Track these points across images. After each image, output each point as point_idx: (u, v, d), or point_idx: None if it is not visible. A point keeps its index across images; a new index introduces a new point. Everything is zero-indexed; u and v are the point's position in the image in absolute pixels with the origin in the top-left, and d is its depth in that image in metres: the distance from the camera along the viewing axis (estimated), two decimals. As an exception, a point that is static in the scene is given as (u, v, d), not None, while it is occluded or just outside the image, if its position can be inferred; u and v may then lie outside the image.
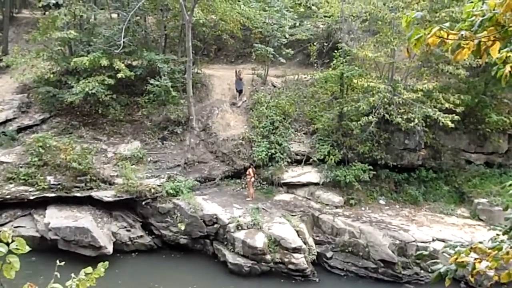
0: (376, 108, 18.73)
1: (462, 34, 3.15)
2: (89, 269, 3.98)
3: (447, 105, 18.46)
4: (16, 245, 3.02)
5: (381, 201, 19.74)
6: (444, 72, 19.56)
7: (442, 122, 17.85)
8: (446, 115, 17.97)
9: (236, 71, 23.78)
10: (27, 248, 3.06)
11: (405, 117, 18.36)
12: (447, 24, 3.29)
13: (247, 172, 19.27)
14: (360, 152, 19.71)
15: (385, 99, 18.53)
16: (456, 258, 3.23)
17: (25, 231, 17.43)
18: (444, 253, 3.74)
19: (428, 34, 3.17)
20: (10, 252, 2.96)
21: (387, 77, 20.34)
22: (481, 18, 3.08)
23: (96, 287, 4.07)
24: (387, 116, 18.70)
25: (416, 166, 20.66)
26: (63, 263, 3.98)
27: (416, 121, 17.92)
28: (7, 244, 2.97)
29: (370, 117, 18.44)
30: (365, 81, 18.82)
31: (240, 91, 23.51)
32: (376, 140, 19.84)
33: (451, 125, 17.74)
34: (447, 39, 3.20)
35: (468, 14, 3.20)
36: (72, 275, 3.92)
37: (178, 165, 19.94)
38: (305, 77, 23.57)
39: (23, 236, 13.60)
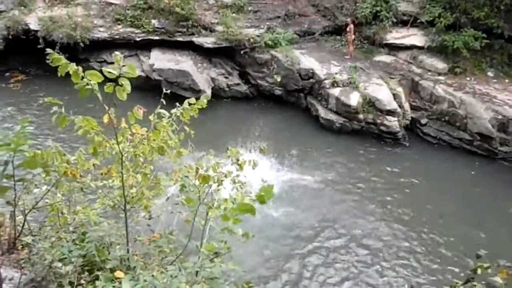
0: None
1: None
2: (192, 100, 4.16)
3: None
4: (127, 69, 3.11)
5: (489, 73, 18.30)
6: None
7: None
8: None
9: None
10: (137, 73, 3.14)
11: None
12: None
13: (348, 29, 18.46)
14: (474, 17, 17.84)
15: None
16: None
17: (131, 70, 18.69)
18: None
19: None
20: (121, 76, 3.07)
21: None
22: None
23: (197, 121, 4.28)
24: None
25: (537, 39, 18.52)
26: (168, 91, 4.17)
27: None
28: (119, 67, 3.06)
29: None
30: None
31: None
32: (496, 5, 17.71)
33: None
34: None
35: None
36: (177, 104, 4.13)
37: (278, 17, 19.52)
38: None
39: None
